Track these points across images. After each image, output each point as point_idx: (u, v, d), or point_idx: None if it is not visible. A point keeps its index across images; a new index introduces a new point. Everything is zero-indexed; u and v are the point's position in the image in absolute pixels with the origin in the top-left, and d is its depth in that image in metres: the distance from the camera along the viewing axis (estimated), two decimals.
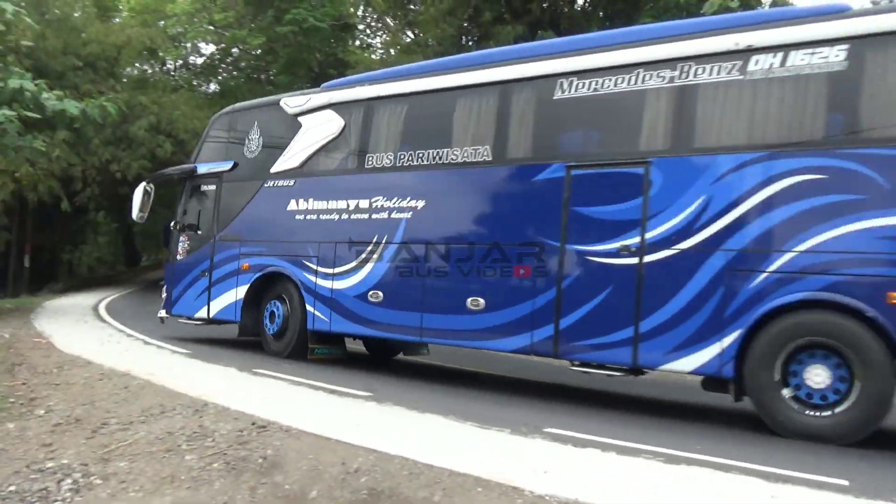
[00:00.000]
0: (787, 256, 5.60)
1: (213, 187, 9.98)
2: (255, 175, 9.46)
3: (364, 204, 8.20)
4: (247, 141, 9.63)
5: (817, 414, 5.44)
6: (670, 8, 14.57)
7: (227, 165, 9.81)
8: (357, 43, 28.78)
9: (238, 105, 10.77)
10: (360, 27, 29.22)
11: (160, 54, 27.35)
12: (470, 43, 18.65)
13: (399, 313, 7.81)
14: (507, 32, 15.72)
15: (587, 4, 17.93)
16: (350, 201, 8.34)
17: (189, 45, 29.01)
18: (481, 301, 7.16)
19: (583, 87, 6.77)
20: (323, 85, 9.43)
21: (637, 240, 6.25)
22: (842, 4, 5.98)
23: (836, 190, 5.47)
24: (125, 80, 25.76)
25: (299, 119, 8.99)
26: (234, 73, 30.37)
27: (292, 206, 8.92)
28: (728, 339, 5.75)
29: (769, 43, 5.89)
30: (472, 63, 7.97)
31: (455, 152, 7.58)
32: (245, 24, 25.18)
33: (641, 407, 7.60)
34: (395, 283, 7.88)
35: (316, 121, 8.79)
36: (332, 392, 6.66)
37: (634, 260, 6.24)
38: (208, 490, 4.07)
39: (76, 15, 24.06)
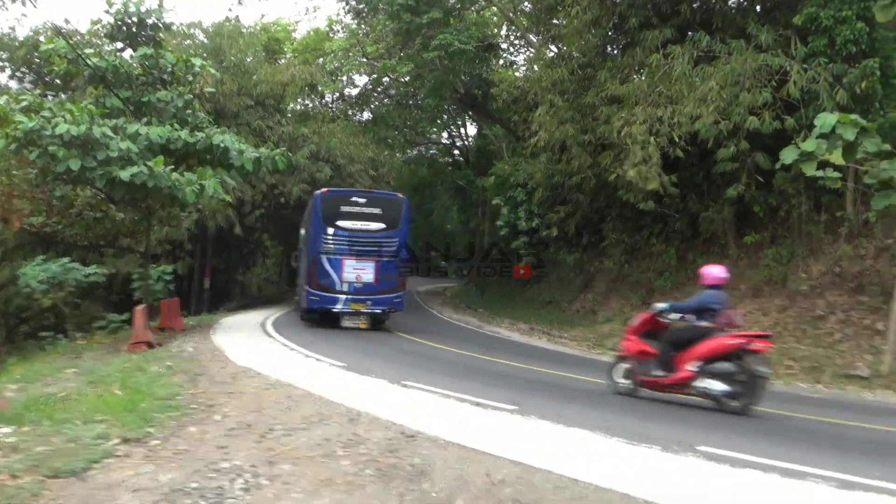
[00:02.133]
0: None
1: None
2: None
3: None
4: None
5: None
6: None
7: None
8: (500, 62, 29.16)
9: None
10: (504, 46, 29.60)
11: (319, 89, 29.37)
12: (615, 52, 18.17)
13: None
14: (653, 37, 15.05)
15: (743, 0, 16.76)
16: None
17: (345, 77, 30.92)
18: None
19: None
20: None
21: None
22: None
23: None
24: (289, 114, 27.94)
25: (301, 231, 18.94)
26: (385, 100, 31.95)
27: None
28: None
29: None
30: None
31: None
32: (395, 53, 26.40)
33: (796, 428, 6.94)
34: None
35: None
36: (478, 405, 6.72)
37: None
38: (361, 494, 4.25)
39: (248, 60, 26.56)
